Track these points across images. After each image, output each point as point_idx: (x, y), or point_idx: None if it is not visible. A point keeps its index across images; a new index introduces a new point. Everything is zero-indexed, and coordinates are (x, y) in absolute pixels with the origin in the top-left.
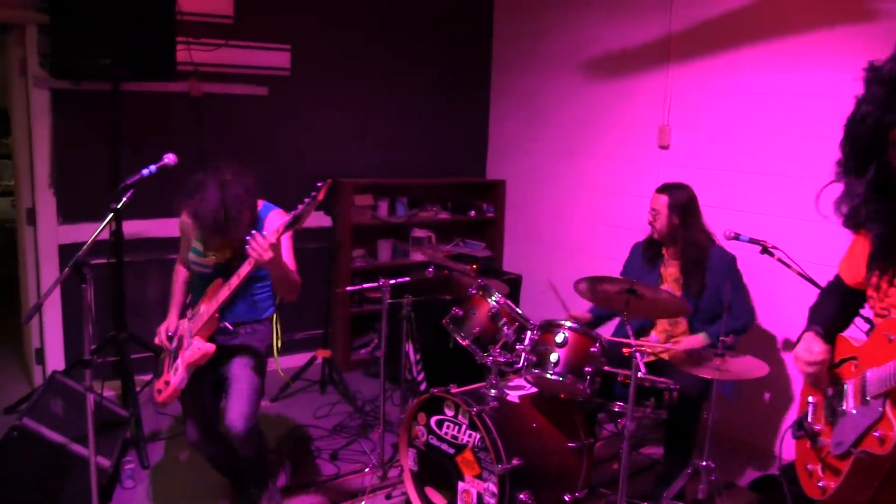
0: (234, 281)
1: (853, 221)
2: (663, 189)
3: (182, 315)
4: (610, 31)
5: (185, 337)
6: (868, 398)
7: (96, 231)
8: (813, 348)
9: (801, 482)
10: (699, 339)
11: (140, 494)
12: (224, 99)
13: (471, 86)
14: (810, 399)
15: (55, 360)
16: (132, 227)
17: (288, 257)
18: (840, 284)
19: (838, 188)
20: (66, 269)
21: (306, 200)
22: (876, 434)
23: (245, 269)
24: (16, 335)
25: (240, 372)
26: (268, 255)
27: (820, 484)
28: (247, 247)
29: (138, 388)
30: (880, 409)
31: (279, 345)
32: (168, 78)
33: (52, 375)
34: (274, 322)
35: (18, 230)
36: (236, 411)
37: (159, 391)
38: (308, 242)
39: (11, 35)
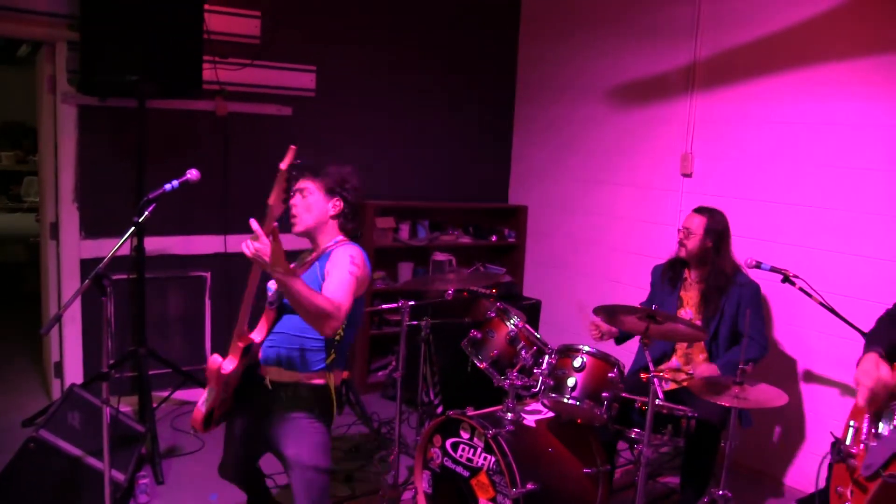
0: (249, 289)
1: None
2: (702, 210)
3: None
4: (634, 59)
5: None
6: None
7: (118, 244)
8: (881, 366)
9: (832, 501)
10: (714, 368)
11: None
12: (249, 118)
13: (495, 111)
14: (852, 423)
15: (74, 373)
16: (154, 244)
17: (333, 280)
18: None
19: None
20: (87, 280)
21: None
22: None
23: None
24: (36, 349)
25: (297, 451)
26: (253, 249)
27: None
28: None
29: (155, 405)
30: None
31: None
32: (194, 96)
33: (69, 388)
34: (330, 382)
35: (42, 244)
36: (302, 499)
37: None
38: None
39: (43, 52)
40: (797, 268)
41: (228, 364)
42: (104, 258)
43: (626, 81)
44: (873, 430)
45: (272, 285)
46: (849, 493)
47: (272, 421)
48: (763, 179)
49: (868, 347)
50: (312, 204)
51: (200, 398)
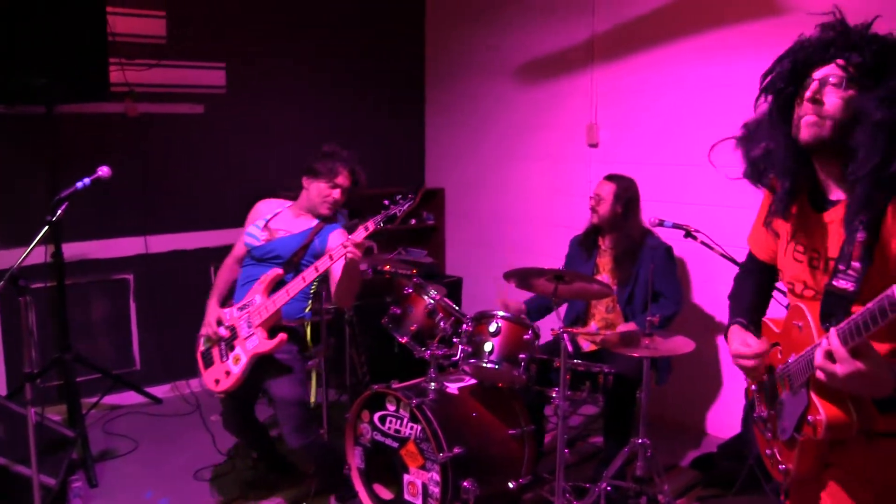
0: (311, 274)
1: (755, 170)
2: (611, 178)
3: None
4: (537, 36)
5: (242, 326)
6: (795, 386)
7: (33, 243)
8: (749, 342)
9: (767, 467)
10: (632, 325)
11: None
12: (161, 118)
13: (406, 95)
14: (753, 388)
15: None
16: (73, 249)
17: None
18: (753, 262)
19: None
20: (1, 282)
21: (400, 201)
22: (809, 419)
23: (325, 265)
24: None
25: (282, 390)
26: (358, 253)
27: (781, 468)
28: (338, 244)
29: (85, 411)
30: (806, 396)
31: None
32: (103, 98)
33: None
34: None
35: None
36: (288, 428)
37: (217, 381)
38: None
39: None
40: (703, 225)
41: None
42: (25, 267)
43: (532, 58)
44: (779, 396)
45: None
46: (779, 457)
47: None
48: (666, 144)
49: (731, 319)
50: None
51: (224, 367)
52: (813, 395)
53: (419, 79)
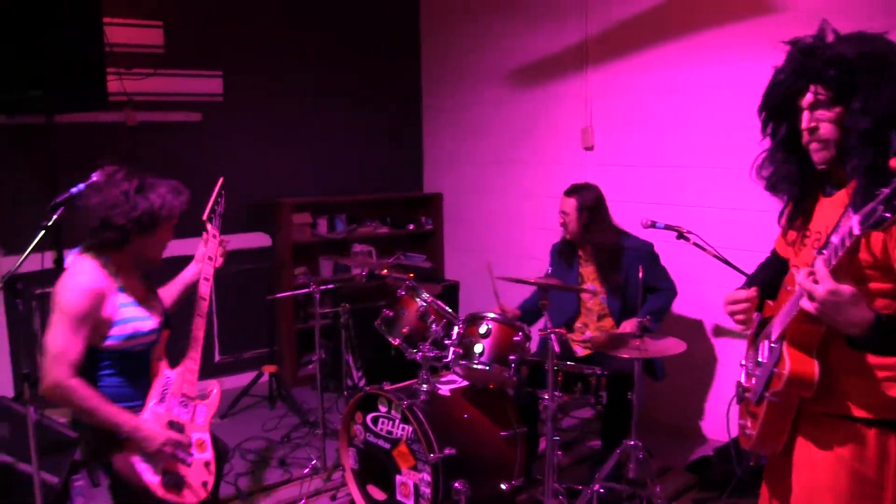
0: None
1: (770, 183)
2: (571, 191)
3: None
4: (531, 41)
5: (181, 413)
6: (773, 344)
7: (30, 247)
8: (738, 292)
9: (739, 438)
10: (633, 323)
11: None
12: (159, 126)
13: (403, 102)
14: (742, 363)
15: (4, 388)
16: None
17: None
18: (774, 255)
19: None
20: (0, 284)
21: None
22: (775, 371)
23: (207, 290)
24: None
25: None
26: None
27: (747, 433)
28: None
29: None
30: (778, 351)
31: None
32: (101, 108)
33: None
34: None
35: None
36: None
37: (205, 483)
38: (249, 263)
39: None
40: (697, 227)
41: None
42: (26, 274)
43: (526, 62)
44: (759, 360)
45: None
46: (748, 424)
47: None
48: (659, 146)
49: (745, 285)
50: None
51: (199, 478)
52: (784, 348)
53: (416, 84)
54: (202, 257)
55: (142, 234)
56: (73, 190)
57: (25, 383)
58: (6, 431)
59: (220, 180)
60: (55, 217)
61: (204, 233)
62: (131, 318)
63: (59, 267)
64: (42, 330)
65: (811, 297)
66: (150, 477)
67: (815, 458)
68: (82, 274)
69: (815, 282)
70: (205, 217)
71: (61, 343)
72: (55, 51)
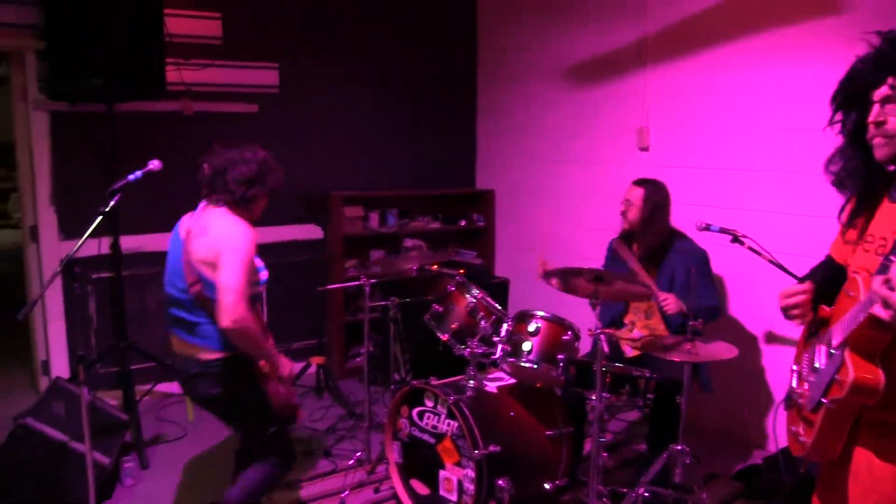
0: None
1: (837, 179)
2: (641, 182)
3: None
4: (588, 38)
5: None
6: (833, 351)
7: (87, 231)
8: (794, 286)
9: (789, 444)
10: (675, 301)
11: (139, 492)
12: (215, 117)
13: (458, 98)
14: (794, 367)
15: (60, 370)
16: (131, 242)
17: None
18: (829, 261)
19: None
20: (59, 267)
21: None
22: (837, 378)
23: None
24: (26, 352)
25: None
26: None
27: (801, 440)
28: None
29: (139, 398)
30: (840, 357)
31: None
32: (159, 97)
33: (54, 381)
34: None
35: (24, 248)
36: None
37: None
38: (300, 254)
39: (13, 63)
40: (751, 231)
41: None
42: (84, 258)
43: (582, 60)
44: (815, 365)
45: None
46: (801, 431)
47: None
48: (716, 148)
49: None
50: None
51: None
52: (847, 355)
53: (471, 81)
54: None
55: (267, 195)
56: (131, 177)
57: (81, 364)
58: (62, 411)
59: None
60: (113, 203)
61: None
62: (260, 267)
63: (115, 252)
64: (97, 315)
65: (886, 305)
66: (288, 399)
67: (874, 467)
68: (242, 223)
69: (892, 289)
70: None
71: (241, 282)
72: (117, 41)
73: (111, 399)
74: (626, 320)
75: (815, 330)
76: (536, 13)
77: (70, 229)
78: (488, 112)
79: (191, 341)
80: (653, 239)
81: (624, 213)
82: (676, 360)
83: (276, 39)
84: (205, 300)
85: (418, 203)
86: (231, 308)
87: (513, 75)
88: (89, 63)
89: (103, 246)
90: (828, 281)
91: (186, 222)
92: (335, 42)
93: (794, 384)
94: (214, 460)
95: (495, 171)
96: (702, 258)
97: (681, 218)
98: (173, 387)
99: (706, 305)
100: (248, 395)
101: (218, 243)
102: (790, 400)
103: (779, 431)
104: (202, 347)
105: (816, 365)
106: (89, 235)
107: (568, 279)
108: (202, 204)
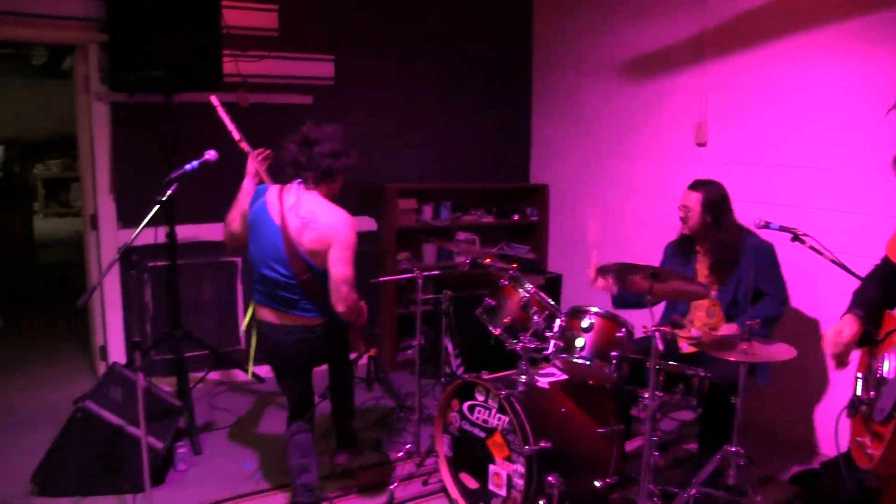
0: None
1: None
2: (695, 186)
3: None
4: (646, 31)
5: None
6: None
7: (145, 220)
8: (843, 331)
9: (853, 455)
10: (735, 327)
11: (192, 476)
12: (272, 108)
13: (513, 91)
14: (859, 375)
15: (117, 355)
16: (187, 231)
17: None
18: (887, 264)
19: None
20: (117, 254)
21: None
22: None
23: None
24: (86, 337)
25: None
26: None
27: (868, 452)
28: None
29: (192, 385)
30: None
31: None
32: (216, 88)
33: (111, 366)
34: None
35: (84, 236)
36: None
37: None
38: None
39: (77, 55)
40: (812, 229)
41: None
42: (141, 246)
43: (639, 54)
44: (878, 375)
45: None
46: (868, 442)
47: None
48: (776, 144)
49: (850, 308)
50: None
51: None
52: None
53: (526, 73)
54: (253, 172)
55: (345, 170)
56: (187, 167)
57: (137, 351)
58: (119, 395)
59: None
60: (169, 192)
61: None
62: None
63: (171, 241)
64: (154, 303)
65: None
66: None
67: None
68: (344, 213)
69: None
70: (238, 137)
71: (352, 272)
72: (175, 32)
73: (165, 385)
74: (686, 319)
75: (883, 336)
76: (592, 4)
77: (128, 218)
78: (543, 105)
79: (295, 314)
80: (723, 246)
81: (684, 220)
82: (732, 359)
83: (331, 31)
84: (311, 285)
85: (472, 196)
86: (347, 296)
87: (568, 68)
88: (149, 55)
89: (160, 235)
90: (884, 291)
91: (275, 203)
92: (390, 33)
93: (859, 391)
94: (264, 447)
95: (550, 165)
96: (769, 252)
97: (740, 215)
98: (226, 374)
99: (765, 315)
100: (343, 343)
101: (329, 236)
102: (854, 407)
103: (840, 438)
104: (306, 318)
105: (887, 374)
106: (146, 224)
107: (623, 275)
108: (295, 185)
